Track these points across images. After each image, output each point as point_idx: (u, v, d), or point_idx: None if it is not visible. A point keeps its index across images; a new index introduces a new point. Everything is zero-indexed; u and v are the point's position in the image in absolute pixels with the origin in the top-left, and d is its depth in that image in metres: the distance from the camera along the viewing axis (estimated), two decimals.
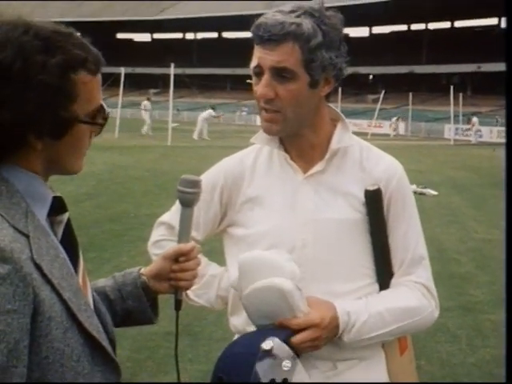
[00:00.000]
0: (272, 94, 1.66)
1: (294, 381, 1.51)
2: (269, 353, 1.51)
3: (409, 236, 1.81)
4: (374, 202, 1.76)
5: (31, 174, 1.25)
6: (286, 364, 1.51)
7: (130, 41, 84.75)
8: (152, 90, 66.84)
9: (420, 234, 1.85)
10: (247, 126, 50.01)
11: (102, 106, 1.31)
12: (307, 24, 1.63)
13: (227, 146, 26.77)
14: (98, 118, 1.31)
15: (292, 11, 1.65)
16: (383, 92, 33.26)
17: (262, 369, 1.50)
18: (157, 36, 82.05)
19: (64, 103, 1.22)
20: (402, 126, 44.64)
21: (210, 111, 34.31)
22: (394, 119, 42.52)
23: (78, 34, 1.29)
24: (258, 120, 49.38)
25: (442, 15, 63.78)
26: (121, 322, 1.53)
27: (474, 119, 40.89)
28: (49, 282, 1.18)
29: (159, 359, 4.74)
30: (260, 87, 1.67)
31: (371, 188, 1.76)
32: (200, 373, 4.46)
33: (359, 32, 69.66)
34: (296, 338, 1.60)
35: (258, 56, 1.66)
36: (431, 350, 4.93)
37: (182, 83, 38.07)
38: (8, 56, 1.17)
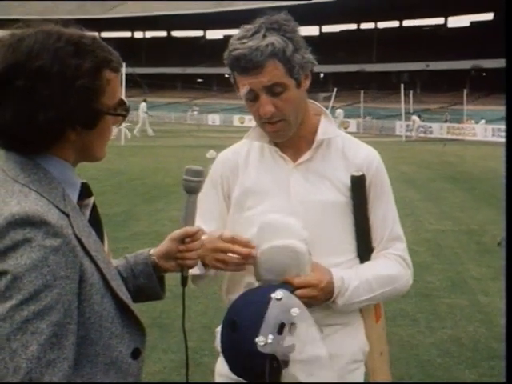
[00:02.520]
0: (273, 109, 1.87)
1: (300, 325, 1.73)
2: (279, 301, 1.73)
3: (387, 216, 2.05)
4: (358, 186, 1.99)
5: (64, 162, 1.42)
6: (295, 311, 1.73)
7: None
8: None
9: (396, 214, 2.09)
10: (199, 126, 49.82)
11: (122, 100, 1.49)
12: (277, 40, 1.83)
13: (179, 145, 26.83)
14: (121, 110, 1.48)
15: (256, 32, 1.84)
16: (335, 90, 33.65)
17: (273, 314, 1.70)
18: (104, 35, 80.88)
19: (96, 98, 1.39)
20: (353, 123, 45.23)
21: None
22: (339, 112, 42.32)
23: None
24: (209, 119, 49.02)
25: (390, 15, 64.73)
26: (133, 298, 1.69)
27: (414, 117, 41.57)
28: (88, 254, 1.36)
29: None
30: (261, 107, 1.88)
31: (356, 174, 1.99)
32: (173, 362, 4.65)
33: (309, 31, 70.09)
34: (296, 293, 1.82)
35: (248, 83, 1.85)
36: (392, 333, 5.14)
37: (132, 82, 37.80)
38: (46, 62, 1.33)
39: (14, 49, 1.34)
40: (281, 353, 1.68)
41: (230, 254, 1.83)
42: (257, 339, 1.68)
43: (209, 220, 2.03)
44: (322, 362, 1.75)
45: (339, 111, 41.49)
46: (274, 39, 1.82)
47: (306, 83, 1.94)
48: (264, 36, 1.82)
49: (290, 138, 1.99)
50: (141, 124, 34.87)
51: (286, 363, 1.71)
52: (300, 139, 2.01)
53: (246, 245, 1.80)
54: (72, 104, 1.34)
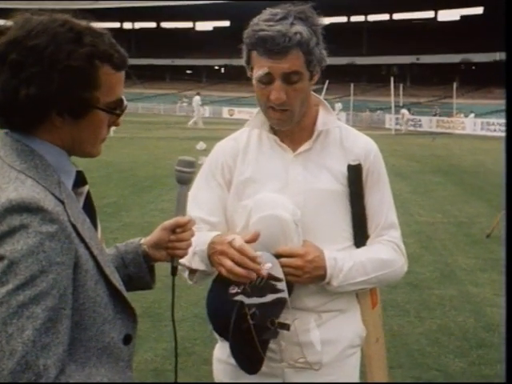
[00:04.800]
0: (285, 97, 1.88)
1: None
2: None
3: (383, 204, 2.08)
4: (355, 175, 2.01)
5: (59, 149, 1.42)
6: (267, 265, 1.80)
7: None
8: None
9: (392, 202, 2.12)
10: (188, 118, 49.71)
11: (121, 100, 1.48)
12: (304, 30, 1.84)
13: (169, 136, 26.80)
14: (117, 110, 1.47)
15: (283, 18, 1.85)
16: (327, 82, 33.53)
17: None
18: (93, 25, 79.49)
19: (86, 88, 1.38)
20: (343, 116, 45.29)
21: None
22: (337, 106, 42.79)
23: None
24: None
25: (380, 8, 64.75)
26: None
27: (403, 111, 41.62)
28: (82, 240, 1.36)
29: None
30: (274, 92, 1.88)
31: (353, 163, 2.02)
32: (165, 351, 4.68)
33: None
34: (280, 260, 1.85)
35: (268, 66, 1.85)
36: (383, 323, 5.20)
37: None
38: (43, 41, 1.34)
39: (19, 27, 1.36)
40: (248, 300, 1.79)
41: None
42: (230, 288, 1.79)
43: (212, 211, 2.04)
44: (287, 304, 1.85)
45: (338, 105, 41.89)
46: (301, 29, 1.83)
47: (315, 78, 1.97)
48: (292, 24, 1.83)
49: (292, 128, 2.01)
50: (196, 117, 36.12)
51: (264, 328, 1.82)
52: (300, 129, 2.03)
53: (253, 259, 1.76)
54: (56, 86, 1.33)
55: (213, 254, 1.85)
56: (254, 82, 1.93)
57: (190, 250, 1.87)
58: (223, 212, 2.06)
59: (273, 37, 1.81)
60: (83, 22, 1.42)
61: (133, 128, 30.54)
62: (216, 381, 2.15)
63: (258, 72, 1.89)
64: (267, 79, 1.88)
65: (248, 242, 1.79)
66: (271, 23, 1.83)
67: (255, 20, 1.88)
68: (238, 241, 1.77)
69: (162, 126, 34.96)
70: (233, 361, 1.93)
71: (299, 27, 1.83)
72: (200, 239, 1.89)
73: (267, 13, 1.88)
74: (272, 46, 1.82)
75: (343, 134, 2.08)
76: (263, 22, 1.85)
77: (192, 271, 1.98)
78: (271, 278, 1.82)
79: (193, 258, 1.93)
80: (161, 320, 5.25)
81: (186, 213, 1.71)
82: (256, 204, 1.90)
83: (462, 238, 8.83)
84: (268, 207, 1.87)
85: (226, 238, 1.82)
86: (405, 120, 41.07)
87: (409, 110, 43.47)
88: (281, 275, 1.83)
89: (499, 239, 7.90)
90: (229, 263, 1.77)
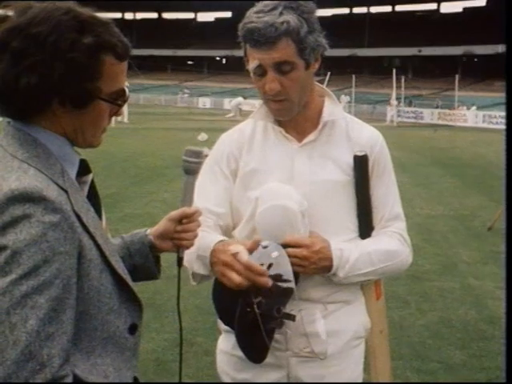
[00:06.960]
0: (279, 87, 1.88)
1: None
2: (265, 248, 1.81)
3: (388, 195, 2.07)
4: (361, 165, 2.01)
5: (62, 138, 1.41)
6: (274, 254, 1.80)
7: None
8: None
9: (397, 193, 2.12)
10: (190, 108, 49.65)
11: (123, 90, 1.46)
12: (293, 19, 1.83)
13: (170, 127, 26.81)
14: (119, 100, 1.46)
15: (273, 9, 1.84)
16: (329, 74, 33.42)
17: (255, 257, 1.77)
18: (97, 15, 79.26)
19: (88, 78, 1.37)
20: (345, 107, 45.17)
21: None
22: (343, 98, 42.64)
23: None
24: (200, 102, 48.74)
25: None
26: None
27: (392, 101, 41.47)
28: (86, 230, 1.35)
29: None
30: (267, 84, 1.88)
31: (359, 154, 2.01)
32: (167, 342, 4.70)
33: None
34: (286, 250, 1.84)
35: (258, 57, 1.86)
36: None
37: None
38: (45, 29, 1.32)
39: (21, 14, 1.34)
40: (253, 288, 1.77)
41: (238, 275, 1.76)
42: None
43: (219, 202, 2.03)
44: (292, 295, 1.84)
45: (345, 98, 41.79)
46: (290, 17, 1.82)
47: (315, 66, 1.95)
48: (281, 13, 1.82)
49: (295, 118, 2.00)
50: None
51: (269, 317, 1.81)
52: (305, 120, 2.02)
53: (261, 274, 1.72)
54: (57, 75, 1.32)
55: (215, 263, 1.82)
56: (251, 74, 1.93)
57: (194, 253, 1.87)
58: (229, 202, 2.05)
59: (259, 28, 1.81)
60: (87, 11, 1.40)
61: (134, 119, 30.52)
62: (219, 372, 2.15)
63: (251, 65, 1.89)
64: (260, 71, 1.89)
65: (250, 250, 1.76)
66: (260, 14, 1.83)
67: (247, 13, 1.88)
68: (244, 255, 1.73)
69: (162, 117, 34.92)
70: (237, 352, 1.93)
71: (287, 16, 1.82)
72: (203, 242, 1.86)
73: (259, 5, 1.87)
74: (259, 37, 1.82)
75: (349, 125, 2.07)
76: (253, 14, 1.85)
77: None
78: (278, 278, 1.81)
79: (195, 262, 1.91)
80: (162, 310, 5.26)
81: (192, 203, 1.70)
82: (263, 194, 1.89)
83: (464, 231, 8.84)
84: (275, 197, 1.87)
85: (229, 248, 1.78)
86: (390, 113, 40.49)
87: (410, 102, 43.22)
88: (288, 264, 1.82)
89: (500, 232, 7.90)
90: (236, 278, 1.72)
